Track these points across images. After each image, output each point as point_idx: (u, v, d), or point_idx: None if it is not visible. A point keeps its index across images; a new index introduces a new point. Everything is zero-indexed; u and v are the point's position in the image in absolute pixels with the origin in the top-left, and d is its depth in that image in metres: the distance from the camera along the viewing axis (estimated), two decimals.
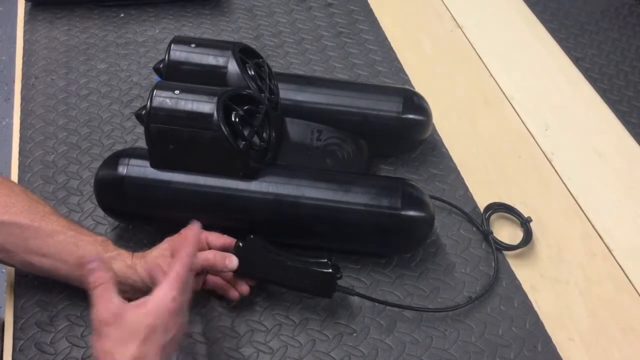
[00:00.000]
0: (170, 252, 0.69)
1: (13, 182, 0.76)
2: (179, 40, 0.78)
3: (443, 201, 0.84)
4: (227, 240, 0.72)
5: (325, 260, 0.71)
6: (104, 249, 0.69)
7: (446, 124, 0.94)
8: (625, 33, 1.10)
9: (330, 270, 0.70)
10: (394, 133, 0.84)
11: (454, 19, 1.11)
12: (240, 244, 0.71)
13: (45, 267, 0.69)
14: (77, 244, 0.68)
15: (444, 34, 1.08)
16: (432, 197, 0.79)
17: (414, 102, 0.85)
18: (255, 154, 0.73)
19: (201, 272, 0.71)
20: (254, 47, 0.82)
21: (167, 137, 0.70)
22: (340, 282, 0.71)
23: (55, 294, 0.74)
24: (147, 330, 0.58)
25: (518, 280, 0.78)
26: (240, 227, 0.74)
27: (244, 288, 0.73)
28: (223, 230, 0.73)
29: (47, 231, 0.68)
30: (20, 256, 0.68)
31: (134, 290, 0.68)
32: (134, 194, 0.74)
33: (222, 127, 0.69)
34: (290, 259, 0.71)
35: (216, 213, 0.74)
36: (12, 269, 0.76)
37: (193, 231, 0.67)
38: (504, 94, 0.99)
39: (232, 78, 0.76)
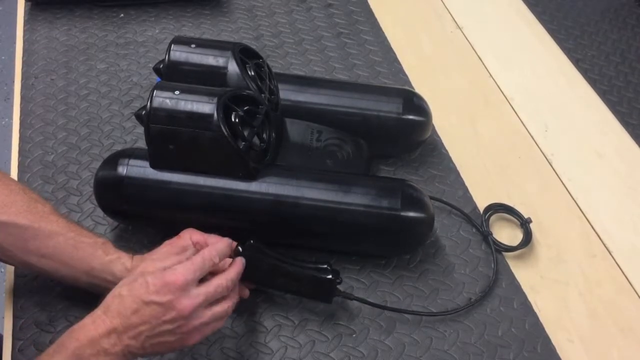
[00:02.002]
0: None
1: (12, 180, 0.73)
2: (179, 41, 0.78)
3: (443, 202, 0.84)
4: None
5: (325, 266, 0.70)
6: (104, 252, 0.69)
7: (446, 124, 0.94)
8: (625, 34, 1.10)
9: (330, 277, 0.70)
10: (393, 134, 0.84)
11: (454, 19, 1.11)
12: (240, 249, 0.71)
13: (44, 268, 0.68)
14: (77, 246, 0.68)
15: (444, 35, 1.08)
16: (431, 198, 0.79)
17: (414, 103, 0.85)
18: (255, 155, 0.73)
19: None
20: (254, 47, 0.82)
21: (167, 137, 0.70)
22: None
23: (54, 294, 0.74)
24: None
25: (517, 281, 0.78)
26: (240, 227, 0.74)
27: (244, 292, 0.72)
28: (222, 231, 0.73)
29: (46, 232, 0.67)
30: (19, 257, 0.68)
31: None
32: (133, 194, 0.73)
33: (222, 127, 0.69)
34: (290, 264, 0.71)
35: (216, 214, 0.74)
36: (12, 269, 0.76)
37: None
38: (504, 94, 0.99)
39: (232, 78, 0.76)
